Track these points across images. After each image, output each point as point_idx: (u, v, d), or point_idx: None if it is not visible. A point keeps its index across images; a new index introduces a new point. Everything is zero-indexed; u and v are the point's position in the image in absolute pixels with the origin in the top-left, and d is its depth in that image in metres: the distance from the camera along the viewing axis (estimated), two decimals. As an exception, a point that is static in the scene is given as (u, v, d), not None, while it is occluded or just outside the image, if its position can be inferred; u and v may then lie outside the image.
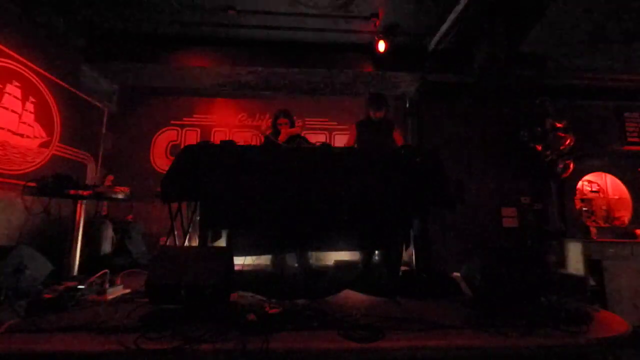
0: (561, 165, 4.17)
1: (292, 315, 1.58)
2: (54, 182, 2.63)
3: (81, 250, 2.84)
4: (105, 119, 4.45)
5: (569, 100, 4.60)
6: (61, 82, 3.64)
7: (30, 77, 3.25)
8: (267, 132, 3.13)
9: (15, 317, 1.52)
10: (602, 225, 4.34)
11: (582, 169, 4.42)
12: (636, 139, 4.60)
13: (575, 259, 3.79)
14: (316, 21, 3.78)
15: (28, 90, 3.22)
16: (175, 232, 3.03)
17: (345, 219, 2.35)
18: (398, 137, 3.11)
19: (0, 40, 2.95)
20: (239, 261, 2.51)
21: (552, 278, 1.82)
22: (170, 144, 4.63)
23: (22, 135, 3.16)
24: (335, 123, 4.86)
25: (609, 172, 4.51)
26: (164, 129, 4.67)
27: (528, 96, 4.55)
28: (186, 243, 2.94)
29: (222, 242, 2.48)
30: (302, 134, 4.63)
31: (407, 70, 4.29)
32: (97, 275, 2.04)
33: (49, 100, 3.47)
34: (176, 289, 1.56)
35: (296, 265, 2.71)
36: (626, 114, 4.67)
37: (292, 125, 3.13)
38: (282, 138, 2.97)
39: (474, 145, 4.51)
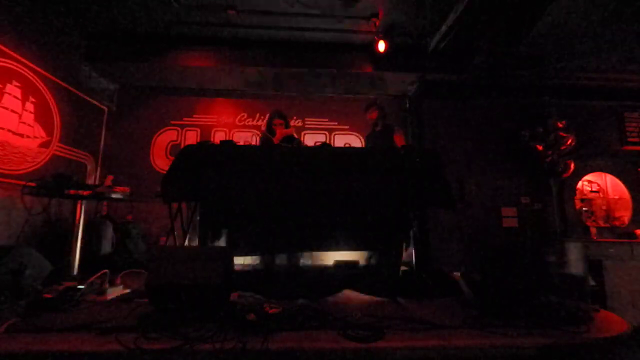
0: (561, 165, 4.17)
1: (292, 315, 1.58)
2: (54, 182, 2.62)
3: (81, 250, 2.84)
4: (105, 119, 4.45)
5: (569, 100, 4.60)
6: (61, 82, 3.64)
7: (30, 77, 3.25)
8: (263, 130, 3.16)
9: (15, 317, 1.52)
10: (602, 225, 4.34)
11: (582, 169, 4.42)
12: (636, 139, 4.60)
13: (575, 259, 3.79)
14: (316, 21, 3.78)
15: (28, 90, 3.22)
16: (175, 232, 3.03)
17: (345, 219, 2.35)
18: (399, 140, 3.14)
19: (0, 40, 2.95)
20: (239, 261, 2.51)
21: (552, 278, 1.82)
22: (170, 144, 4.63)
23: (22, 135, 3.16)
24: (336, 123, 4.86)
25: (609, 172, 4.51)
26: (164, 129, 4.67)
27: (528, 96, 4.55)
28: (186, 243, 2.94)
29: (222, 242, 2.48)
30: (302, 134, 4.68)
31: (407, 70, 4.29)
32: (97, 275, 2.04)
33: (49, 100, 3.47)
34: (176, 289, 1.56)
35: (296, 264, 2.70)
36: (626, 114, 4.67)
37: (287, 125, 3.18)
38: (277, 138, 3.02)
39: (474, 145, 4.51)
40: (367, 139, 3.52)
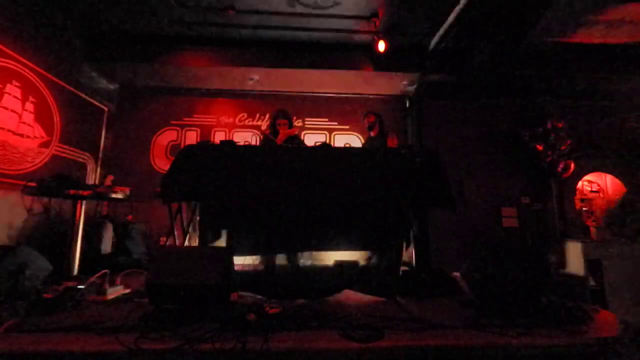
0: (561, 165, 4.17)
1: (292, 315, 1.58)
2: (54, 182, 2.63)
3: (81, 250, 2.84)
4: (105, 119, 4.45)
5: (569, 100, 4.60)
6: (61, 82, 3.64)
7: (30, 77, 3.25)
8: (266, 132, 3.16)
9: (15, 317, 1.52)
10: (602, 225, 4.34)
11: (582, 169, 4.42)
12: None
13: (575, 259, 3.79)
14: (316, 21, 3.78)
15: (28, 90, 3.22)
16: (175, 232, 3.03)
17: (345, 219, 2.35)
18: (391, 143, 3.17)
19: (0, 40, 2.95)
20: (239, 261, 2.52)
21: (552, 278, 1.81)
22: (170, 144, 4.63)
23: (22, 135, 3.16)
24: (336, 123, 4.86)
25: (609, 172, 4.51)
26: (164, 129, 4.67)
27: (528, 96, 4.55)
28: (186, 243, 2.94)
29: (222, 242, 2.48)
30: (302, 134, 4.68)
31: (407, 70, 4.28)
32: (97, 275, 2.03)
33: (49, 100, 3.47)
34: (176, 289, 1.56)
35: (296, 264, 2.70)
36: (626, 114, 4.67)
37: (291, 125, 3.17)
38: (280, 138, 3.01)
39: (473, 145, 4.51)
40: (365, 144, 3.64)
